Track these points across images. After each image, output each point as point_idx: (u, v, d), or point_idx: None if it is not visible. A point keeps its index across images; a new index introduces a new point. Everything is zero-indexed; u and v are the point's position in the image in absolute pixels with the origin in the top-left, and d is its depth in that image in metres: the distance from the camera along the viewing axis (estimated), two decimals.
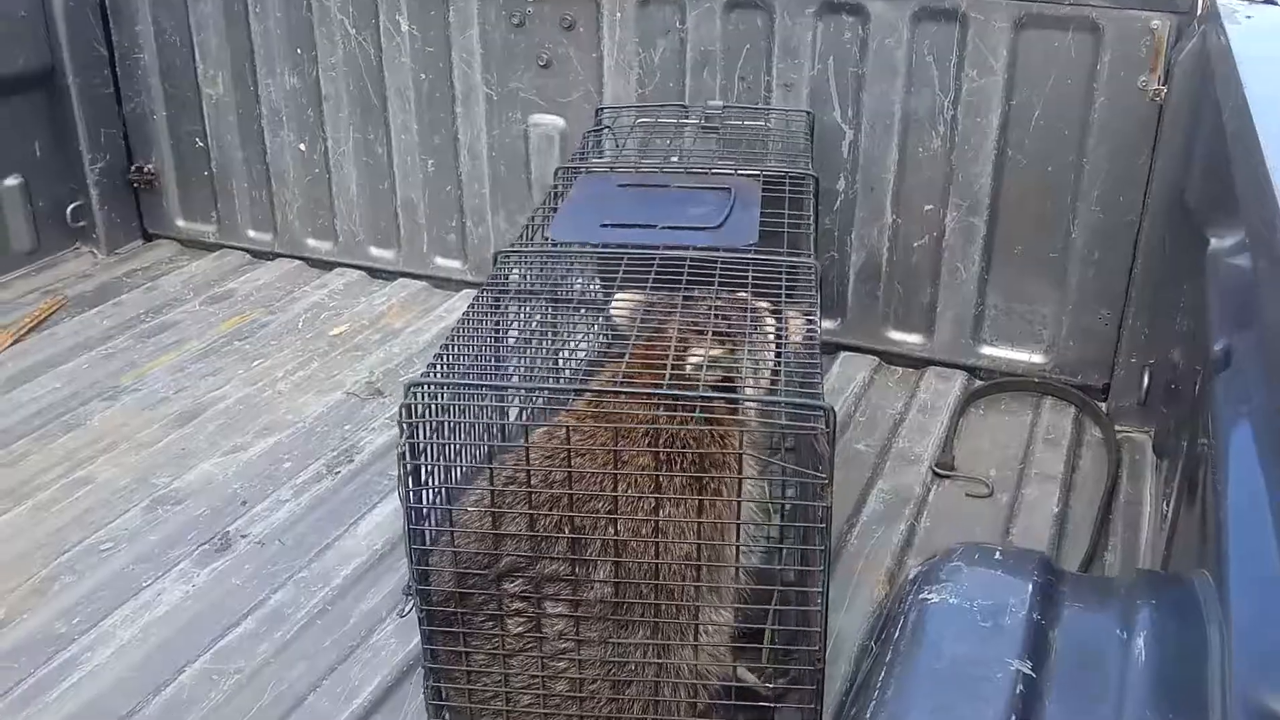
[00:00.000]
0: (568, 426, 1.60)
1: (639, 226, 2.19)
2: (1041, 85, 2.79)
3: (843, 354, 3.20)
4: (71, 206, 3.83)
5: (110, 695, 2.02)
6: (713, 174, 2.49)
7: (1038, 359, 3.04)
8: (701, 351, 1.68)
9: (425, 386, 1.61)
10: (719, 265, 1.97)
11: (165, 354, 3.24)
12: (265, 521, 2.49)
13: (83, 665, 2.09)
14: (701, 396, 1.57)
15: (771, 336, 1.84)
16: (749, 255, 2.02)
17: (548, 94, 3.33)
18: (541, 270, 2.12)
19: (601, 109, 2.99)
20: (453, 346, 1.75)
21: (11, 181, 3.64)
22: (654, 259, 2.02)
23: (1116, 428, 2.83)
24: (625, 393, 1.65)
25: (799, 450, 1.74)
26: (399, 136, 3.54)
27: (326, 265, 3.79)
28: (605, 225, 2.18)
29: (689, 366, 1.69)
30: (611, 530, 1.59)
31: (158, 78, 3.78)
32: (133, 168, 3.91)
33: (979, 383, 3.07)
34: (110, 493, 2.60)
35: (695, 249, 2.07)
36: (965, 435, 2.84)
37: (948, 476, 2.66)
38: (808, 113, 2.92)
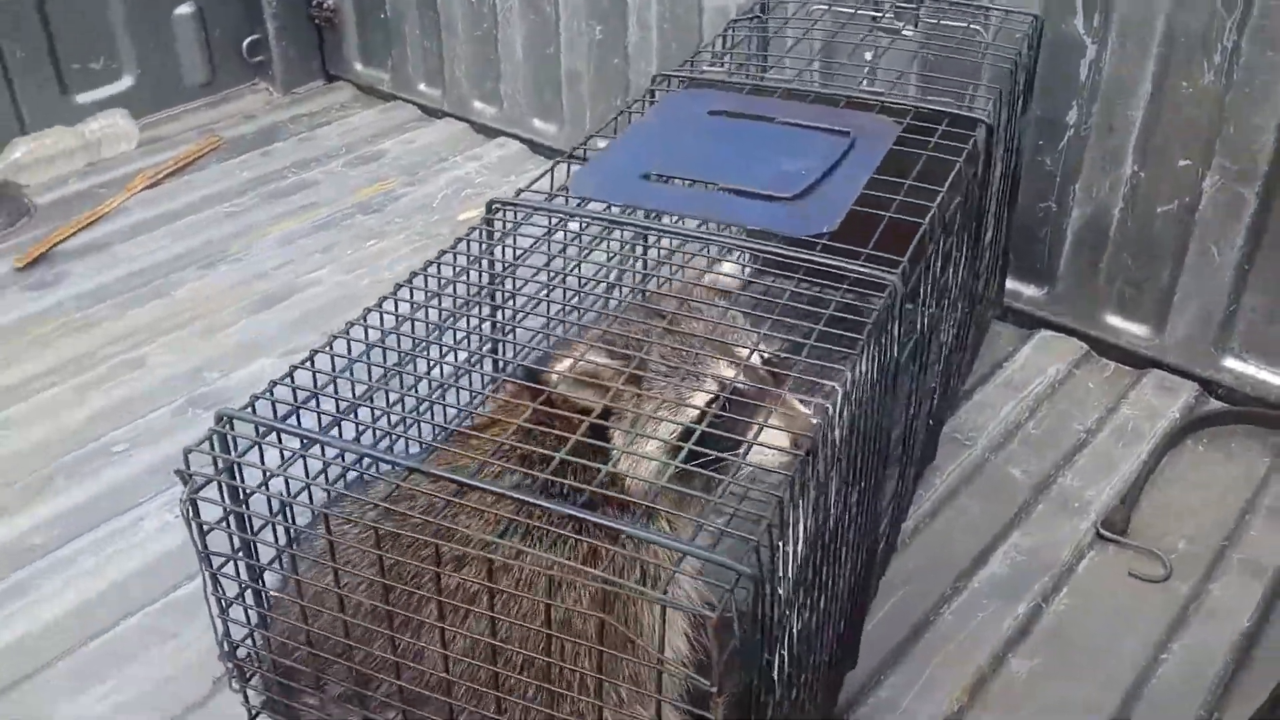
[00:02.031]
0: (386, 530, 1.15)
1: (691, 183, 1.66)
2: None
3: (1042, 333, 2.51)
4: (248, 40, 3.62)
5: (39, 637, 1.84)
6: (848, 103, 1.88)
7: None
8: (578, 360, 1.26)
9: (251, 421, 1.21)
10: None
11: (287, 220, 3.01)
12: None
13: (30, 593, 1.92)
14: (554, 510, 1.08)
15: (700, 401, 1.30)
16: (803, 253, 1.45)
17: None
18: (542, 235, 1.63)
19: None
20: (335, 352, 1.34)
21: (185, 9, 3.46)
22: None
23: None
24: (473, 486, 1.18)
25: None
26: None
27: (491, 132, 3.42)
28: (647, 177, 1.65)
29: (554, 376, 1.31)
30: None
31: None
32: (313, 2, 3.64)
33: (1213, 404, 2.32)
34: (157, 381, 2.42)
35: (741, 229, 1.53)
36: (1163, 481, 2.13)
37: (1114, 541, 2.00)
38: (1035, 17, 2.19)
